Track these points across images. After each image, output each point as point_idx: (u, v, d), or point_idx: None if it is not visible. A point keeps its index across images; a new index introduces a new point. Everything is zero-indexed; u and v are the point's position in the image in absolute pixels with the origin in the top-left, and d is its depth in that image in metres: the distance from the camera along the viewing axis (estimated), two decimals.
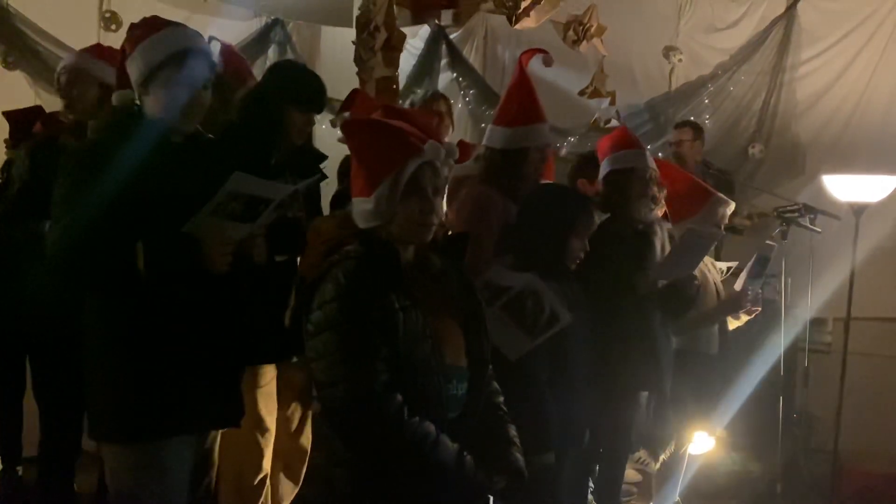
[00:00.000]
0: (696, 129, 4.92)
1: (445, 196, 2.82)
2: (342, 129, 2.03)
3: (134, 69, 2.12)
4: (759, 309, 3.45)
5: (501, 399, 2.02)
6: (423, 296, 1.86)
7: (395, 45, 4.29)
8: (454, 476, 1.77)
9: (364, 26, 4.30)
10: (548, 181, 3.07)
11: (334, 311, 1.76)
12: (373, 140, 1.87)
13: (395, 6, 4.40)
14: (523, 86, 2.96)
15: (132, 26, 2.22)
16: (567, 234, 2.52)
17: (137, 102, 2.15)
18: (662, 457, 3.33)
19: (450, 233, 2.37)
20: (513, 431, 1.97)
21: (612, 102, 4.90)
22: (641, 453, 4.21)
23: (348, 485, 1.83)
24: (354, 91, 3.67)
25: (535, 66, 3.16)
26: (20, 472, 3.68)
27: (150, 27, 2.14)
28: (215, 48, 3.19)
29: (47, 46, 4.09)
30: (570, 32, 4.89)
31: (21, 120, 3.62)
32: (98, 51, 3.31)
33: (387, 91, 4.19)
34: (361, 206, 1.86)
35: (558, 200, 2.60)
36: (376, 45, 4.26)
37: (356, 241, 1.86)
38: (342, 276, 1.78)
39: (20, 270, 3.13)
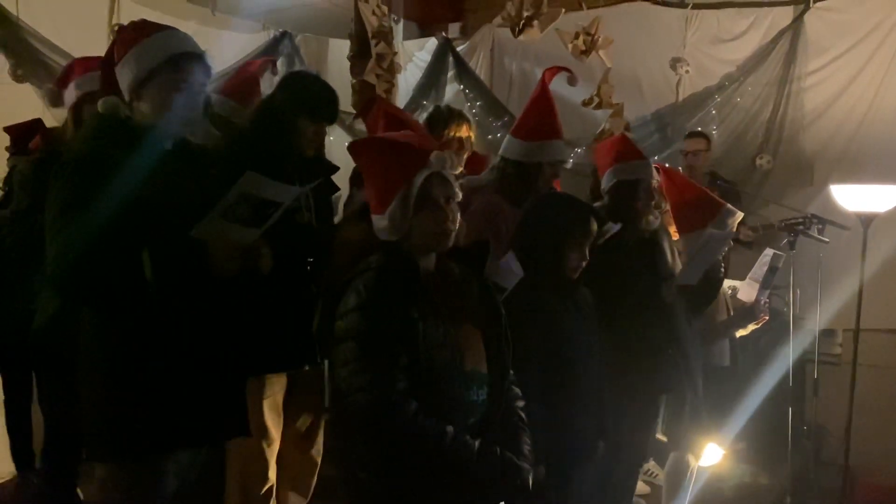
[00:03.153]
0: (708, 139, 4.93)
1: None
2: (349, 150, 2.05)
3: (126, 73, 2.05)
4: (767, 317, 3.45)
5: (521, 404, 2.06)
6: (443, 304, 1.91)
7: (361, 53, 4.32)
8: (478, 467, 1.81)
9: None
10: (554, 192, 3.08)
11: (355, 321, 1.83)
12: (380, 157, 1.93)
13: (391, 19, 4.46)
14: (544, 101, 3.02)
15: (121, 29, 2.16)
16: (562, 244, 2.50)
17: (126, 109, 2.07)
18: (694, 464, 3.33)
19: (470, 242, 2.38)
20: (526, 441, 2.01)
21: (620, 114, 4.91)
22: (651, 465, 4.20)
23: (373, 487, 1.88)
24: (372, 98, 3.68)
25: (557, 83, 3.20)
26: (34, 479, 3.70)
27: (141, 31, 2.07)
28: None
29: (57, 60, 4.11)
30: (579, 42, 4.91)
31: (21, 133, 3.66)
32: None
33: (362, 101, 4.25)
34: (378, 224, 1.93)
35: (555, 210, 2.59)
36: (349, 53, 4.36)
37: (379, 251, 1.92)
38: (363, 287, 1.85)
39: (26, 281, 3.15)
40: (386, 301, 1.83)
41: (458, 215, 1.97)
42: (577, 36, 4.99)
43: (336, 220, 2.95)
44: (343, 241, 2.44)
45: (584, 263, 2.54)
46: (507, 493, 1.90)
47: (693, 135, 4.97)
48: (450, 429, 1.81)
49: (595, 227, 2.54)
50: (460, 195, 2.00)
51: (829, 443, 4.63)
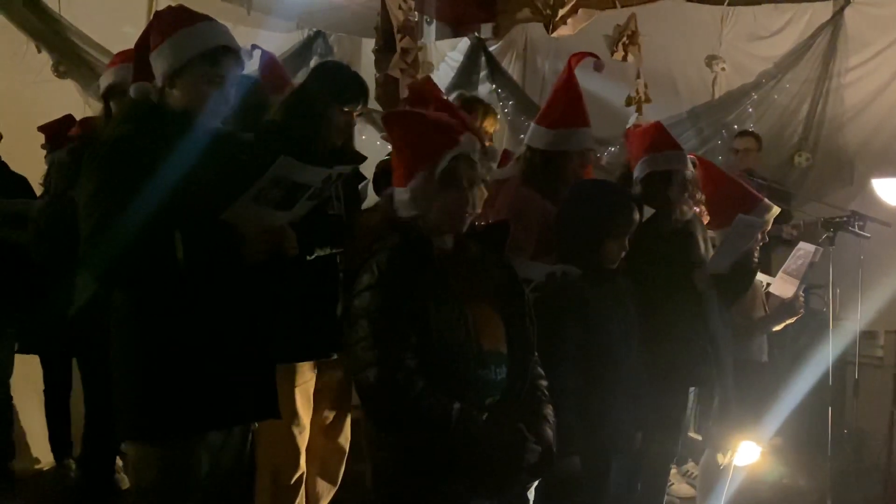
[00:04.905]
0: (759, 139, 4.85)
1: (484, 197, 2.84)
2: (382, 121, 2.04)
3: (161, 62, 2.06)
4: (803, 312, 3.38)
5: (545, 383, 2.04)
6: (460, 284, 1.89)
7: (386, 48, 4.34)
8: (485, 442, 1.79)
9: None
10: (594, 179, 3.03)
11: (367, 299, 1.83)
12: (410, 131, 1.92)
13: (423, 20, 4.49)
14: (570, 88, 2.93)
15: (157, 15, 2.17)
16: (603, 236, 2.47)
17: (158, 95, 2.08)
18: (724, 461, 3.26)
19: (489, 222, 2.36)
20: (549, 411, 1.98)
21: (639, 109, 4.88)
22: (690, 465, 4.12)
23: (392, 467, 1.87)
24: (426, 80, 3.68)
25: (582, 71, 3.12)
26: (73, 468, 3.77)
27: (178, 20, 2.08)
28: (257, 56, 3.26)
29: (97, 56, 4.20)
30: (618, 48, 4.89)
31: (55, 130, 3.76)
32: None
33: (386, 94, 4.26)
34: (400, 196, 1.92)
35: (595, 200, 2.54)
36: (374, 47, 4.38)
37: (395, 231, 1.90)
38: (377, 267, 1.85)
39: (66, 273, 3.21)
40: (397, 280, 1.82)
41: (480, 202, 1.95)
42: (617, 39, 4.97)
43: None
44: (363, 227, 2.45)
45: (623, 254, 2.51)
46: (517, 470, 1.85)
47: (744, 133, 4.90)
48: (456, 406, 1.79)
49: (637, 216, 2.51)
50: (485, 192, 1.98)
51: (870, 447, 4.50)
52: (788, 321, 3.39)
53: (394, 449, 1.87)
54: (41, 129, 3.81)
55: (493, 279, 1.99)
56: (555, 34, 4.80)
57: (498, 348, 1.92)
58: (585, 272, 2.47)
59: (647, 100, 5.02)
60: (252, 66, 3.30)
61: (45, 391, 3.93)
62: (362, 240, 2.11)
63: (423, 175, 1.86)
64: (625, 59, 5.17)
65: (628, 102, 5.12)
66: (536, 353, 2.02)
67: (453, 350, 1.83)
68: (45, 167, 3.79)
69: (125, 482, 3.50)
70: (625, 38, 5.04)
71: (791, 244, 4.56)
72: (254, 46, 3.25)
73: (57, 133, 3.75)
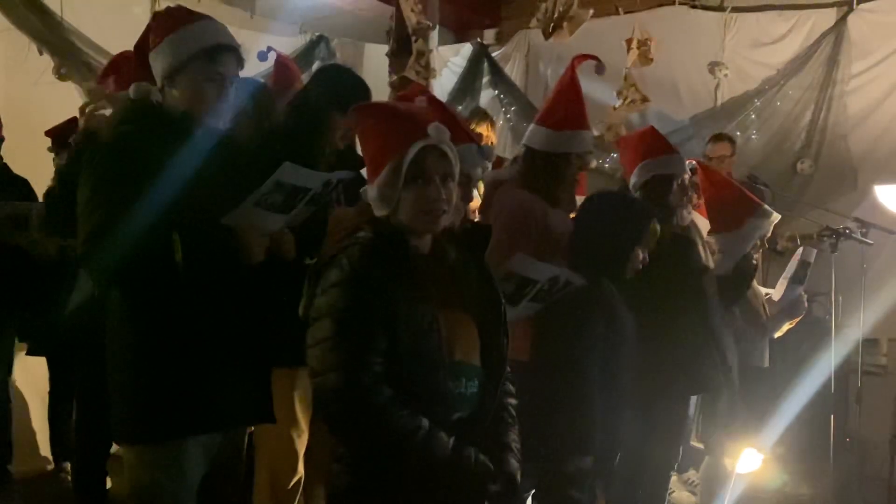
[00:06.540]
0: (733, 142, 4.79)
1: (481, 200, 2.81)
2: (352, 114, 1.91)
3: (160, 61, 2.04)
4: (804, 313, 3.38)
5: (513, 402, 1.90)
6: (436, 288, 1.77)
7: (399, 51, 4.36)
8: (448, 472, 1.67)
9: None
10: (609, 190, 3.04)
11: (334, 297, 1.68)
12: (377, 124, 1.80)
13: (428, 22, 4.51)
14: (573, 89, 2.88)
15: (156, 16, 2.17)
16: (633, 246, 2.52)
17: (158, 95, 2.08)
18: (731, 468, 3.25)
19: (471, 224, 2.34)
20: (514, 437, 1.85)
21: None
22: (691, 473, 4.10)
23: (345, 481, 1.74)
24: (411, 83, 3.69)
25: (583, 74, 3.10)
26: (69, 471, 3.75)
27: (177, 19, 2.07)
28: (272, 58, 3.26)
29: (98, 59, 4.21)
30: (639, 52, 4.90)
31: (60, 133, 3.77)
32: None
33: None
34: (369, 194, 1.79)
35: (625, 211, 2.59)
36: (388, 51, 4.39)
37: (368, 227, 1.78)
38: (346, 263, 1.71)
39: (67, 276, 3.21)
40: (369, 278, 1.67)
41: (455, 197, 1.80)
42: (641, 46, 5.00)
43: None
44: (336, 221, 2.41)
45: (641, 265, 2.55)
46: (480, 498, 1.74)
47: (717, 138, 4.73)
48: (424, 423, 1.65)
49: (658, 228, 2.55)
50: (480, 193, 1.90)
51: (873, 456, 4.48)
52: (788, 325, 3.39)
53: (350, 461, 1.74)
54: (48, 132, 3.83)
55: (471, 286, 1.85)
56: (552, 39, 4.78)
57: (471, 360, 1.78)
58: (608, 278, 2.49)
59: (629, 100, 5.01)
60: (267, 67, 3.32)
61: (49, 392, 3.93)
62: (332, 235, 2.03)
63: (389, 168, 1.72)
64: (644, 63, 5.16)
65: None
66: (508, 368, 1.88)
67: (423, 359, 1.68)
68: (53, 169, 3.79)
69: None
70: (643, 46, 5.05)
71: (785, 256, 4.56)
72: (269, 48, 3.26)
73: (63, 135, 3.76)
